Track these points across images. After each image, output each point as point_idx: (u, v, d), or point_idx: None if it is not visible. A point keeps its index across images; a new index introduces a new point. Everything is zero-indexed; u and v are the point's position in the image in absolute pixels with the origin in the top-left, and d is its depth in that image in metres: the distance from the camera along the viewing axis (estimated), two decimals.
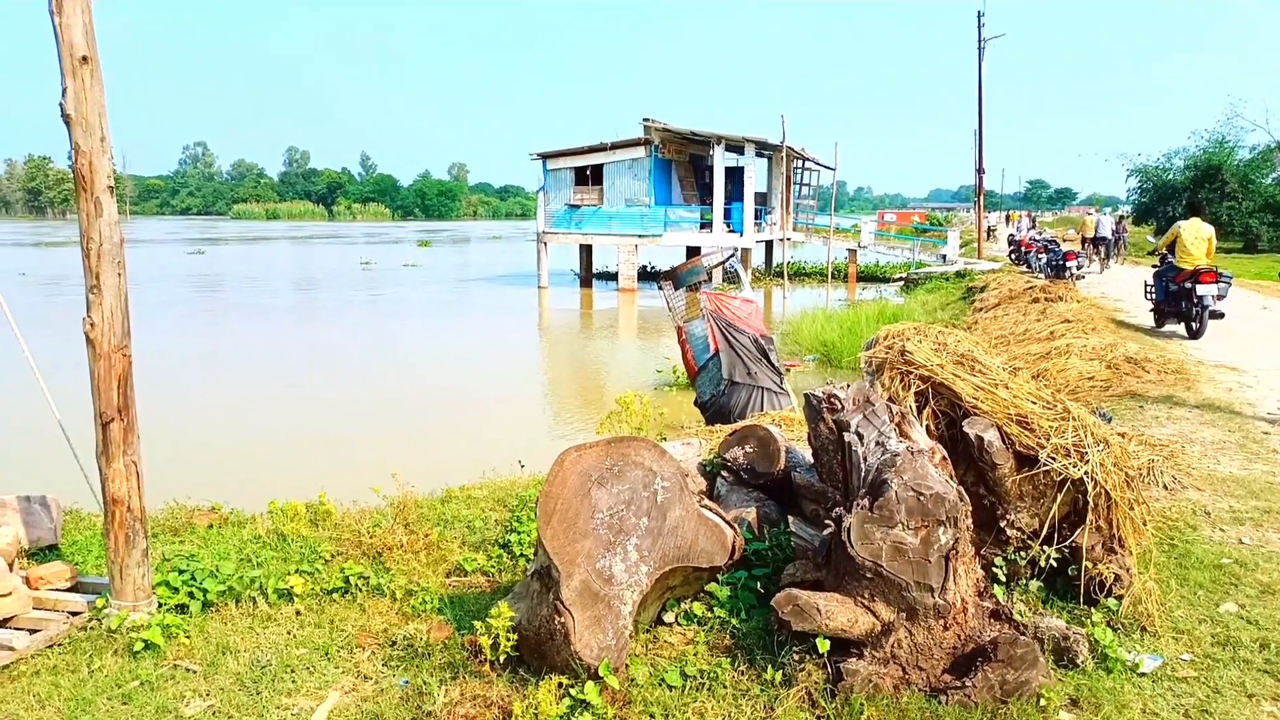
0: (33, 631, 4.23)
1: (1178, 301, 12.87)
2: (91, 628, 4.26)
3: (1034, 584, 4.15)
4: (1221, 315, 12.63)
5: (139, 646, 3.96)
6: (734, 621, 3.91)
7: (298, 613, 4.43)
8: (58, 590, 4.59)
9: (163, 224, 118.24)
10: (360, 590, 4.61)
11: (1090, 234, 26.79)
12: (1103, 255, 26.20)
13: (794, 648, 3.60)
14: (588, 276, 36.51)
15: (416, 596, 4.51)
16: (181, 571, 4.50)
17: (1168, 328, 13.44)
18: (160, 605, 4.34)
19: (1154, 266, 14.59)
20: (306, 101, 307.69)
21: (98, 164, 3.98)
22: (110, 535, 4.25)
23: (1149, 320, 14.13)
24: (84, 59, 3.89)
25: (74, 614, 4.40)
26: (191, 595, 4.42)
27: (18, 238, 74.19)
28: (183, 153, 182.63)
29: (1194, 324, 12.58)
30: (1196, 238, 12.92)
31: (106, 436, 4.17)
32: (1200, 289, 12.34)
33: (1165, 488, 5.60)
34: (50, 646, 4.16)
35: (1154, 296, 13.80)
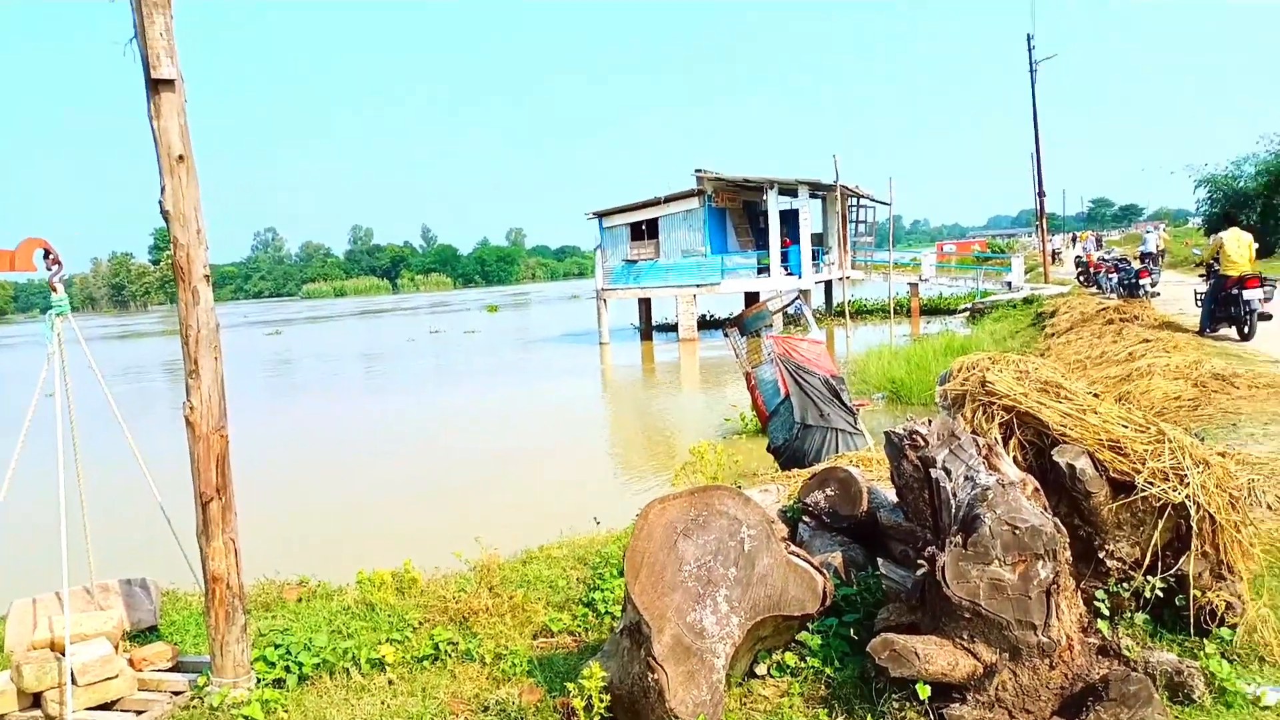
0: (139, 713, 4.34)
1: (1227, 307, 13.89)
2: (194, 706, 4.36)
3: (1139, 617, 3.98)
4: (1269, 317, 13.67)
5: None
6: (828, 671, 3.82)
7: (390, 682, 4.47)
8: (160, 670, 4.72)
9: (237, 308, 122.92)
10: (450, 656, 4.63)
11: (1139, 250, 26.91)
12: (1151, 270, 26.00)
13: (893, 695, 3.50)
14: (648, 329, 36.68)
15: (505, 660, 4.52)
16: (277, 646, 4.59)
17: (1221, 332, 14.30)
18: (259, 680, 4.42)
19: (1201, 276, 15.88)
20: (368, 179, 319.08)
21: (195, 255, 4.19)
22: (211, 613, 4.37)
23: (1208, 327, 14.69)
24: (180, 158, 4.13)
25: (176, 693, 4.51)
26: (288, 669, 4.49)
27: (106, 330, 77.84)
28: (254, 239, 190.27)
29: (1244, 327, 13.58)
30: (1239, 246, 13.91)
31: (206, 515, 4.31)
32: (1247, 294, 13.44)
33: (1269, 508, 5.34)
34: None
35: (1204, 304, 14.68)
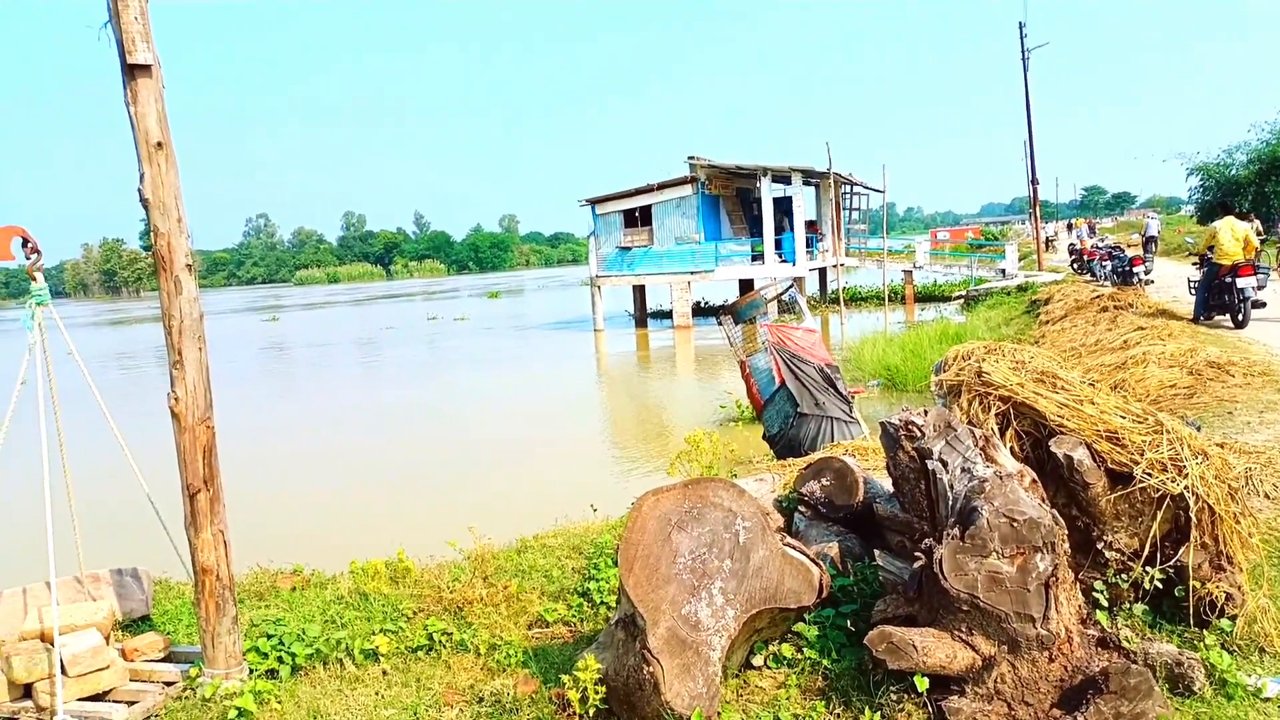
0: (130, 704, 4.31)
1: (1221, 295, 13.93)
2: (186, 697, 4.33)
3: (1139, 608, 3.96)
4: (1263, 304, 13.78)
5: (232, 714, 4.00)
6: (825, 662, 3.80)
7: (384, 672, 4.45)
8: (152, 661, 4.69)
9: (230, 295, 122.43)
10: (444, 647, 4.61)
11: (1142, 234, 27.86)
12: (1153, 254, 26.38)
13: (890, 687, 3.48)
14: (642, 316, 36.64)
15: (500, 651, 4.49)
16: (270, 636, 4.55)
17: (1215, 319, 14.31)
18: (251, 671, 4.39)
19: (1194, 264, 15.94)
20: (361, 165, 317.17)
21: (176, 244, 4.13)
22: (201, 604, 4.33)
23: (1202, 314, 14.73)
24: (159, 145, 4.05)
25: (168, 684, 4.48)
26: (280, 660, 4.46)
27: (96, 317, 77.46)
28: (246, 225, 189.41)
29: (1238, 315, 13.59)
30: (1233, 235, 13.90)
31: (194, 507, 4.26)
32: (1240, 281, 13.48)
33: (1267, 497, 5.33)
34: (147, 718, 4.23)
35: (1198, 292, 14.71)
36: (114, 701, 4.36)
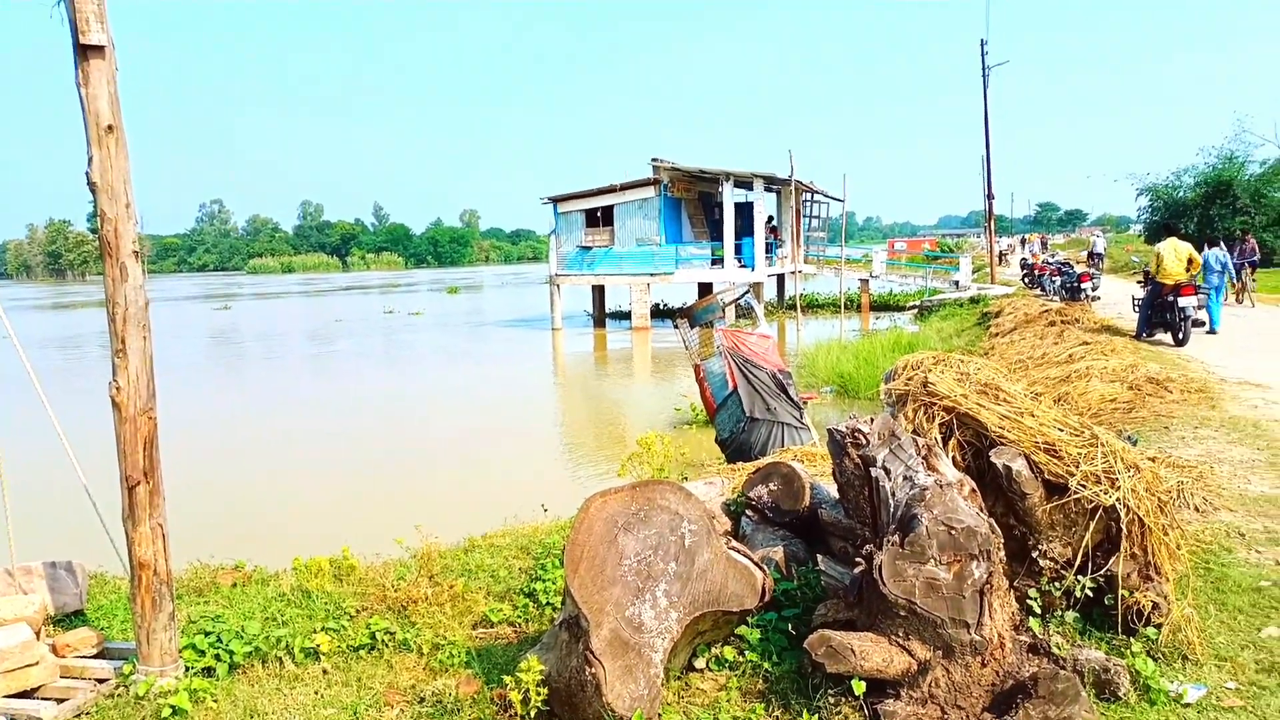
0: (60, 701, 4.20)
1: (1163, 313, 14.39)
2: (119, 694, 4.24)
3: (1070, 615, 4.06)
4: (1203, 324, 14.42)
5: (166, 713, 3.93)
6: (766, 665, 3.85)
7: (325, 671, 4.40)
8: (84, 657, 4.58)
9: (181, 281, 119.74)
10: (387, 646, 4.57)
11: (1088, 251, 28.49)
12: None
13: (829, 690, 3.54)
14: (600, 317, 36.62)
15: (443, 650, 4.47)
16: (208, 634, 4.47)
17: (1157, 336, 14.80)
18: (187, 669, 4.31)
19: (1139, 282, 16.55)
20: (319, 154, 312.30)
21: (123, 230, 4.04)
22: (136, 600, 4.24)
23: (1144, 332, 15.17)
24: (109, 128, 3.97)
25: (101, 681, 4.38)
26: (218, 657, 4.39)
27: (39, 300, 75.32)
28: (199, 210, 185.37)
29: (1179, 334, 14.05)
30: (1176, 256, 14.33)
31: (133, 500, 4.17)
32: (1182, 301, 13.97)
33: (1197, 510, 5.49)
34: (78, 716, 4.13)
35: (1141, 310, 15.23)
36: (43, 699, 4.25)
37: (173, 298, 68.10)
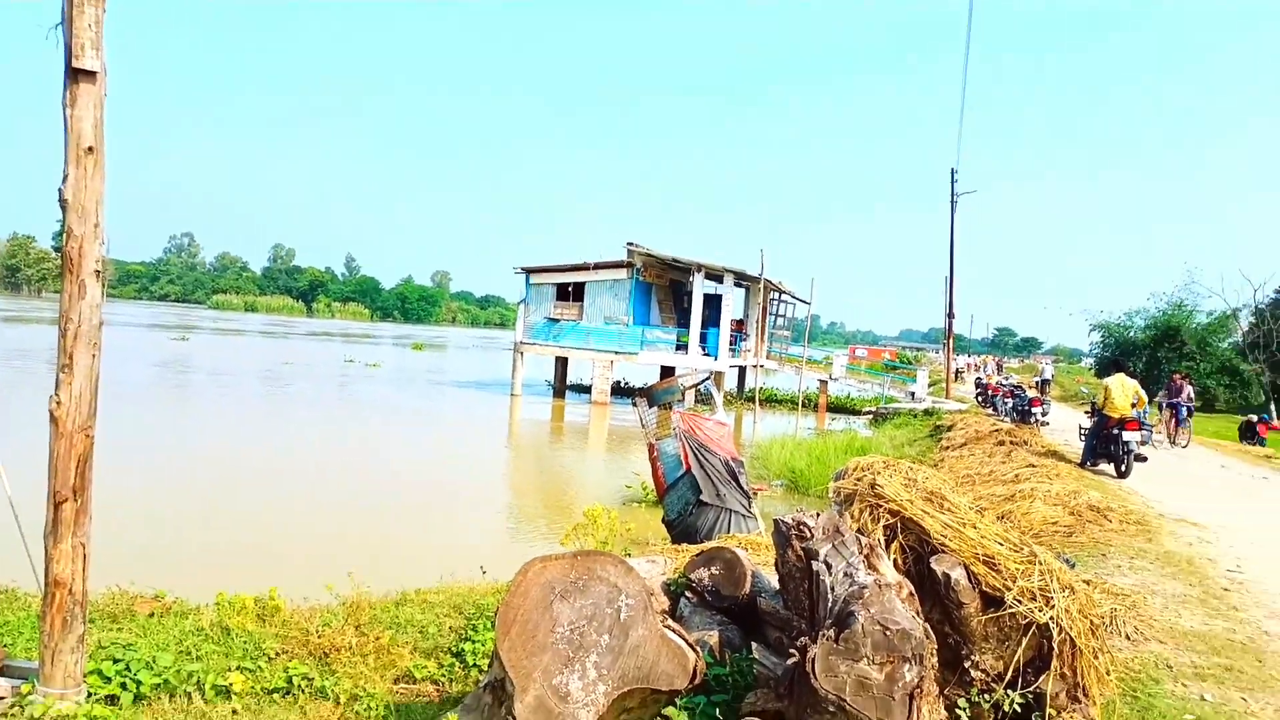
0: None
1: (1108, 445, 14.72)
2: (13, 714, 4.03)
3: None
4: (1144, 459, 14.55)
5: None
6: None
7: (234, 712, 4.23)
8: None
9: (139, 309, 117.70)
10: (303, 691, 4.42)
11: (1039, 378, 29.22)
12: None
13: None
14: (561, 387, 36.64)
15: (361, 702, 4.34)
16: (116, 660, 4.31)
17: (1100, 466, 15.08)
18: (90, 695, 4.13)
19: (1086, 413, 16.94)
20: (297, 201, 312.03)
21: (88, 249, 4.04)
22: (46, 618, 4.07)
23: (1089, 460, 15.44)
24: (90, 149, 4.00)
25: None
26: (124, 686, 4.22)
27: None
28: (169, 241, 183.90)
29: (1122, 466, 14.41)
30: (1123, 391, 14.76)
31: (58, 516, 4.05)
32: (1127, 435, 14.36)
33: (1128, 638, 5.58)
34: None
35: (1087, 440, 15.52)
36: None
37: (131, 324, 66.92)
